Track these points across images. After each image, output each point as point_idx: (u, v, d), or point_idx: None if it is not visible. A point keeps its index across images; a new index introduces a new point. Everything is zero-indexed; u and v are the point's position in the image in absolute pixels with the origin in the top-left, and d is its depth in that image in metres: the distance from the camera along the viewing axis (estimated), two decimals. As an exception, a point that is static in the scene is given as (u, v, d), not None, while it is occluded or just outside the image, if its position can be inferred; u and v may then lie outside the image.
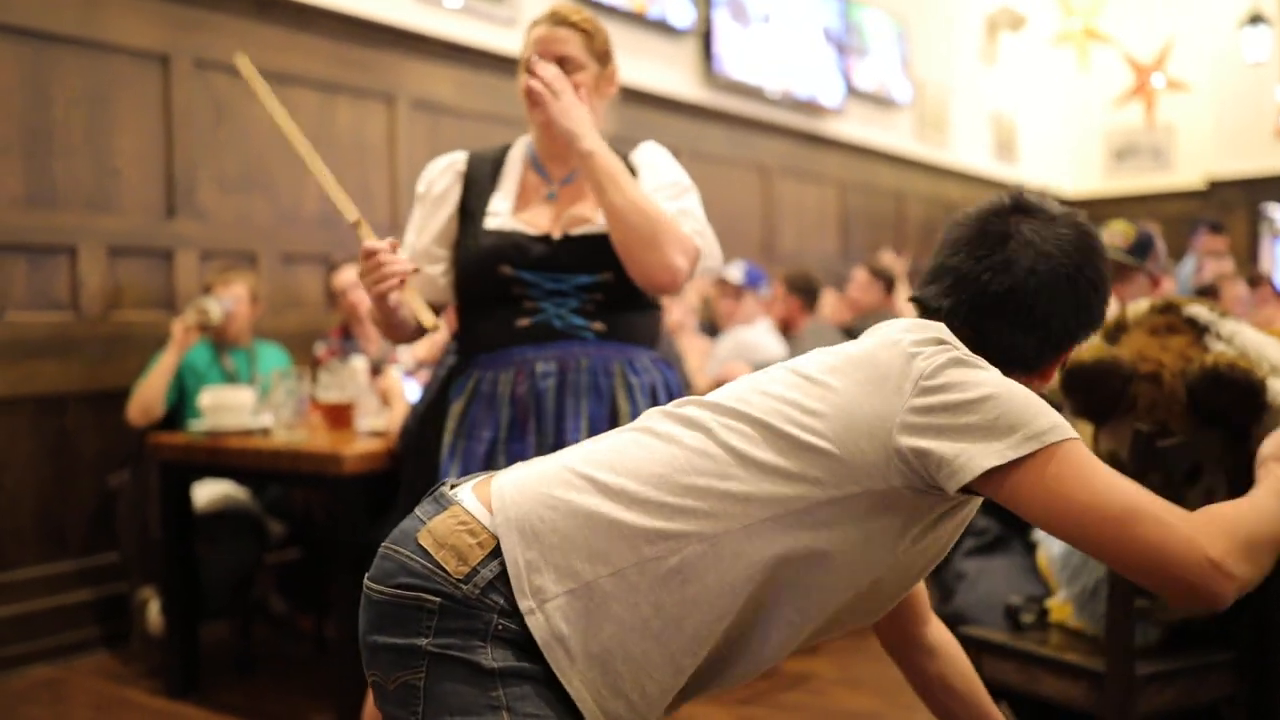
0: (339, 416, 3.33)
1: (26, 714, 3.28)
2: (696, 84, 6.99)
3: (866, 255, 8.15)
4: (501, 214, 2.16)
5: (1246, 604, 2.21)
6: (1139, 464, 2.02)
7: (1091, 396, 2.16)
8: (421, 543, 1.26)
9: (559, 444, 2.04)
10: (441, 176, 2.24)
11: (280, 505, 3.85)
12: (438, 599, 1.22)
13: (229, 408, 3.35)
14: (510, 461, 1.92)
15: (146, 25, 4.10)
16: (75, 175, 3.91)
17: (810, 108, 8.03)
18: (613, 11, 6.25)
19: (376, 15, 4.92)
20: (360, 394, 3.37)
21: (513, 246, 2.11)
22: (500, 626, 1.22)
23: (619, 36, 6.72)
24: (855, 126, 8.63)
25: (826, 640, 1.37)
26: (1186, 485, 2.12)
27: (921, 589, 1.54)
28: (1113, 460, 2.21)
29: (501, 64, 5.55)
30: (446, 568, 1.23)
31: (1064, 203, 1.42)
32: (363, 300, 4.09)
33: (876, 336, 1.33)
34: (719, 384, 4.52)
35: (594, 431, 2.08)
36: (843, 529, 1.24)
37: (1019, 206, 1.38)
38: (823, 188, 8.34)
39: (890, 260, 6.41)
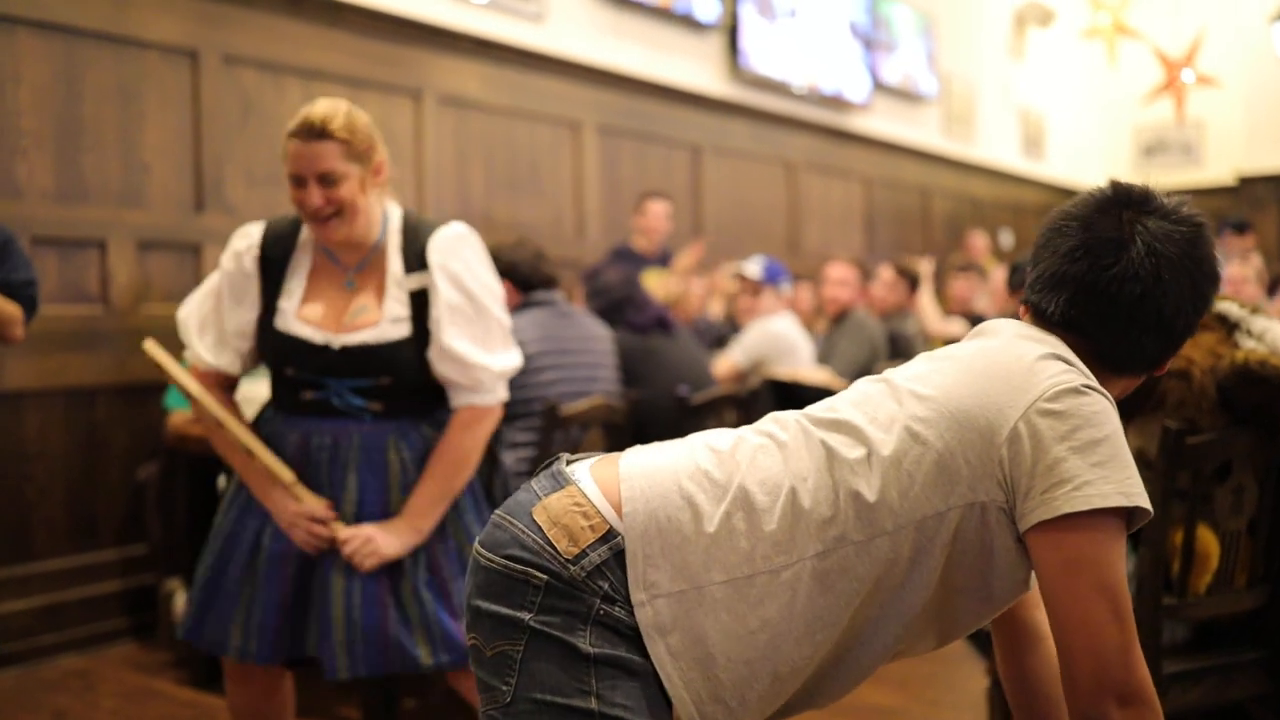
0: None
1: (56, 703, 3.31)
2: (722, 79, 6.97)
3: (892, 251, 8.13)
4: (288, 311, 2.21)
5: (1277, 602, 2.19)
6: (1168, 461, 2.00)
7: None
8: (536, 518, 1.28)
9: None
10: (238, 263, 2.24)
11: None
12: (545, 576, 1.24)
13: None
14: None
15: (176, 21, 4.12)
16: (105, 170, 3.94)
17: (836, 103, 8.00)
18: (639, 6, 6.25)
19: (404, 11, 4.94)
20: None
21: (295, 353, 2.19)
22: (602, 612, 1.24)
23: (644, 31, 6.74)
24: (881, 122, 8.60)
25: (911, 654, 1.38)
26: (1215, 483, 2.11)
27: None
28: (1141, 457, 2.19)
29: (528, 59, 5.56)
30: (557, 546, 1.25)
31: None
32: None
33: (996, 351, 1.31)
34: (738, 373, 4.56)
35: (364, 500, 2.21)
36: (940, 549, 1.25)
37: (1127, 200, 1.35)
38: (848, 183, 8.31)
39: (922, 265, 6.39)
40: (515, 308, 3.51)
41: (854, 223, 8.39)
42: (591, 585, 1.24)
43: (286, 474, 2.17)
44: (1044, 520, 1.19)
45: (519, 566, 1.25)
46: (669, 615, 1.23)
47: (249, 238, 2.26)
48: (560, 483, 1.31)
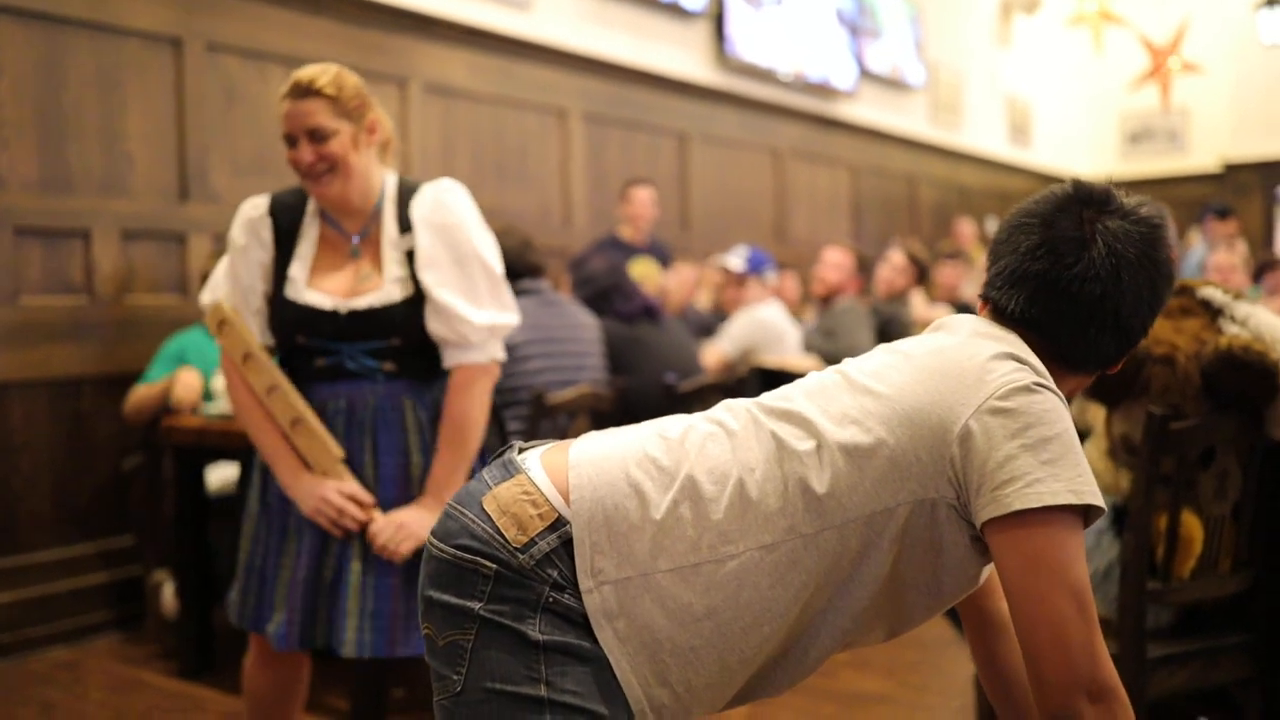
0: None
1: (43, 695, 3.31)
2: (708, 67, 6.96)
3: (879, 239, 8.14)
4: (298, 280, 2.23)
5: (1261, 586, 2.21)
6: (1152, 447, 2.01)
7: (1105, 379, 2.15)
8: (486, 507, 1.28)
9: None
10: (253, 232, 2.26)
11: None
12: (494, 565, 1.25)
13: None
14: None
15: (158, 8, 4.10)
16: (88, 159, 3.92)
17: (823, 90, 8.00)
18: (625, -6, 6.24)
19: (388, -2, 4.92)
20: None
21: (305, 320, 2.21)
22: (551, 599, 1.24)
23: (631, 19, 6.71)
24: (868, 109, 8.60)
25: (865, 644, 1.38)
26: (1199, 468, 2.12)
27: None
28: (1126, 443, 2.20)
29: (515, 47, 5.55)
30: (506, 535, 1.26)
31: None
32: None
33: (951, 349, 1.31)
34: (725, 364, 4.56)
35: (382, 462, 2.21)
36: (888, 543, 1.25)
37: (1088, 199, 1.35)
38: (835, 171, 8.32)
39: (911, 248, 6.41)
40: (502, 296, 3.51)
41: (841, 211, 8.40)
42: (540, 573, 1.25)
43: (337, 449, 2.17)
44: (996, 517, 1.20)
45: (469, 556, 1.26)
46: (616, 601, 1.24)
47: (259, 208, 2.27)
48: (510, 471, 1.32)
